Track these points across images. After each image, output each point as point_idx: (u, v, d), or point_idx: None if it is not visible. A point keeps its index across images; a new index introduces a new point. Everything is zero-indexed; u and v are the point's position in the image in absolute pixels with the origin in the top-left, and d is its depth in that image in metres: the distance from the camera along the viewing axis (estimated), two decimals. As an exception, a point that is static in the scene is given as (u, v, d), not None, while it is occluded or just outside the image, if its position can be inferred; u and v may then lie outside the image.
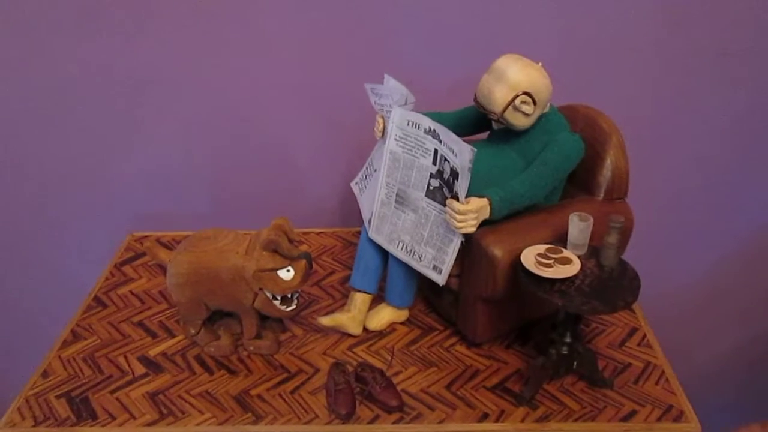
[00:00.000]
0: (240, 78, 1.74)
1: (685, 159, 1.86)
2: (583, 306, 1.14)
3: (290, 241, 1.34)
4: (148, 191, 1.93)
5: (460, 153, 1.19)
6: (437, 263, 1.36)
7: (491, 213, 1.27)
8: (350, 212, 1.96)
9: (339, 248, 1.81)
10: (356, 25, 1.67)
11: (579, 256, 1.25)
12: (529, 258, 1.22)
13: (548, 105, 1.38)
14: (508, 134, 1.41)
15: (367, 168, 1.54)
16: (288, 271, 1.32)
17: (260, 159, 1.88)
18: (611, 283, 1.20)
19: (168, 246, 1.84)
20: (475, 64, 1.67)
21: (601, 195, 1.42)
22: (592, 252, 1.28)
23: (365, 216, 1.51)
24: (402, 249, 1.42)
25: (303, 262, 1.34)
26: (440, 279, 1.37)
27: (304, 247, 1.80)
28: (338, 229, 1.90)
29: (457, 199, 1.25)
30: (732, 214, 1.95)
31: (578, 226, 1.24)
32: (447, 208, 1.27)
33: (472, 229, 1.26)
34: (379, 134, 1.44)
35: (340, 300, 1.61)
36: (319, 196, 1.94)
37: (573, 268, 1.20)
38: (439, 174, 1.30)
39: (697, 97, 1.76)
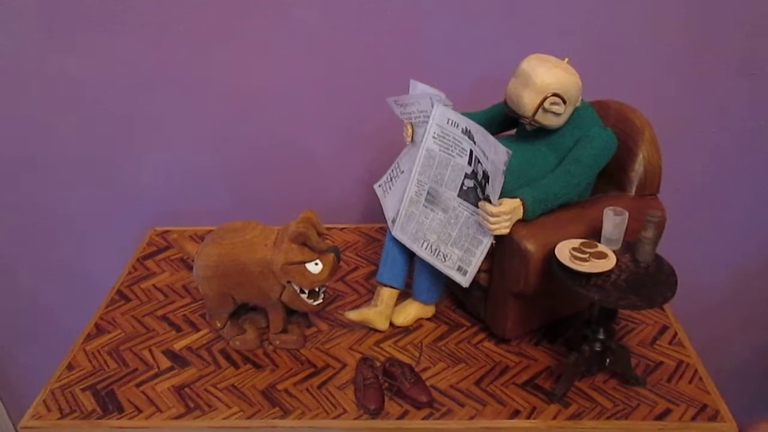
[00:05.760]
0: (262, 76, 1.73)
1: (711, 156, 1.84)
2: (620, 301, 1.12)
3: (318, 234, 1.33)
4: (169, 188, 1.92)
5: (495, 155, 1.18)
6: (463, 264, 1.35)
7: (525, 214, 1.26)
8: (373, 209, 1.94)
9: (362, 244, 1.79)
10: (379, 23, 1.65)
11: (614, 251, 1.23)
12: (563, 252, 1.21)
13: (580, 100, 1.36)
14: (538, 129, 1.40)
15: (392, 170, 1.52)
16: (316, 264, 1.30)
17: (282, 156, 1.86)
18: (648, 279, 1.18)
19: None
20: (502, 62, 1.66)
21: (633, 191, 1.40)
22: (627, 247, 1.26)
23: (389, 216, 1.50)
24: (426, 248, 1.40)
25: (331, 255, 1.32)
26: (464, 281, 1.35)
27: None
28: (361, 225, 1.88)
29: (490, 201, 1.24)
30: (757, 212, 1.93)
31: (613, 221, 1.23)
32: (480, 210, 1.26)
33: (506, 231, 1.25)
34: (409, 139, 1.43)
35: (365, 295, 1.60)
36: (341, 193, 1.92)
37: (609, 263, 1.18)
38: (474, 175, 1.29)
39: (726, 93, 1.74)
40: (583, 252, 1.20)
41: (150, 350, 1.45)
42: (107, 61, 1.71)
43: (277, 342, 1.43)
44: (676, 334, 1.46)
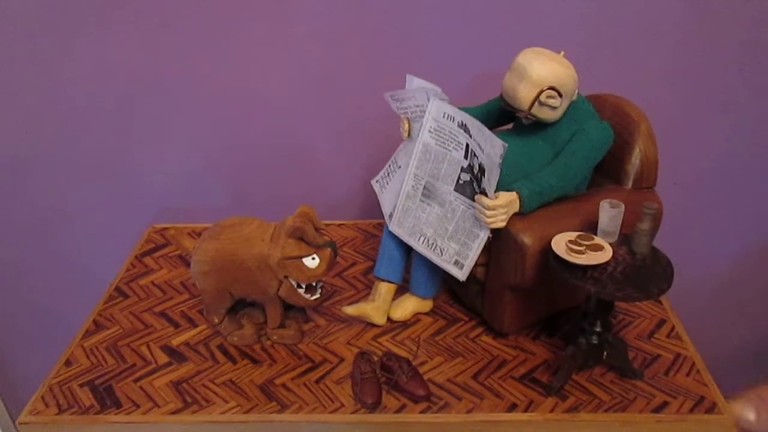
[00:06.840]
0: (260, 74, 1.73)
1: (710, 150, 1.84)
2: (617, 293, 1.12)
3: (315, 229, 1.33)
4: (168, 186, 1.92)
5: (491, 148, 1.18)
6: (459, 258, 1.35)
7: (521, 207, 1.26)
8: (370, 205, 1.94)
9: (360, 240, 1.79)
10: (377, 19, 1.65)
11: (610, 244, 1.23)
12: (560, 245, 1.21)
13: (576, 93, 1.36)
14: (535, 123, 1.40)
15: (389, 166, 1.53)
16: (313, 259, 1.30)
17: (280, 153, 1.86)
18: (644, 271, 1.18)
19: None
20: (499, 57, 1.66)
21: (630, 184, 1.40)
22: (623, 240, 1.26)
23: (386, 211, 1.50)
24: (423, 242, 1.40)
25: (328, 250, 1.32)
26: (461, 274, 1.35)
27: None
28: (359, 221, 1.89)
29: (486, 195, 1.24)
30: (755, 205, 1.93)
31: (609, 213, 1.23)
32: (476, 204, 1.26)
33: (502, 224, 1.25)
34: (405, 134, 1.43)
35: (363, 291, 1.60)
36: (339, 189, 1.92)
37: (605, 255, 1.18)
38: (470, 168, 1.29)
39: (725, 87, 1.74)
40: (580, 244, 1.20)
41: (148, 346, 1.45)
42: (106, 61, 1.71)
43: (275, 337, 1.43)
44: (673, 327, 1.46)
